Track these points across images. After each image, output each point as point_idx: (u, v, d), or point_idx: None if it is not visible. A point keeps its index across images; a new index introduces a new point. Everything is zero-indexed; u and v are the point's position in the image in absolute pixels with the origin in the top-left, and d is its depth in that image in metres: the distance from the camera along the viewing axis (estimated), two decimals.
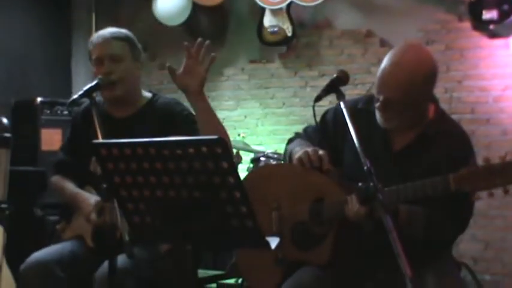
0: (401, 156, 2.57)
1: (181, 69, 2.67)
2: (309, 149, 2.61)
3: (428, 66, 2.51)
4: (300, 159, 2.60)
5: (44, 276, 2.88)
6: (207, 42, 2.66)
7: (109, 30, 3.09)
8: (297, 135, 2.95)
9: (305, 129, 2.93)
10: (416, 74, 2.46)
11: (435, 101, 2.65)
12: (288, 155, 2.84)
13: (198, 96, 2.72)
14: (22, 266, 2.93)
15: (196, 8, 5.94)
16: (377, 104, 2.51)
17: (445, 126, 2.60)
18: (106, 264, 2.70)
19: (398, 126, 2.56)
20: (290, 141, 2.94)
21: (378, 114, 2.55)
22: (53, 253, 2.97)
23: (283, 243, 2.63)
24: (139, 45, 3.14)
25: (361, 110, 2.65)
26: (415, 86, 2.45)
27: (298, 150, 2.66)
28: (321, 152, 2.59)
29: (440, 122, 2.60)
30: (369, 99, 2.69)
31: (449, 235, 2.54)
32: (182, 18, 5.97)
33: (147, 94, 3.18)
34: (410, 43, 2.59)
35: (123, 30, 3.11)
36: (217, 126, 2.78)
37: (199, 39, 2.65)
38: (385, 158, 2.53)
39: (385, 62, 2.50)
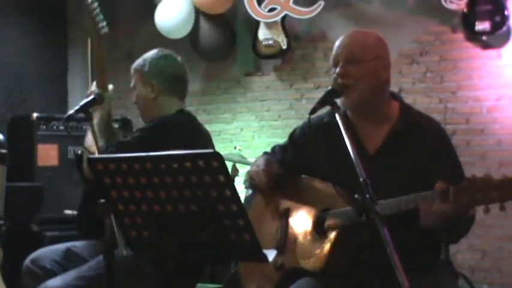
0: (379, 158, 2.57)
1: None
2: (254, 170, 2.81)
3: (376, 33, 2.71)
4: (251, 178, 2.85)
5: None
6: None
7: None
8: (265, 154, 3.00)
9: (273, 148, 2.97)
10: (367, 35, 2.67)
11: (399, 98, 2.69)
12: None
13: None
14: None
15: (199, 19, 5.93)
16: (337, 71, 2.56)
17: (415, 119, 2.62)
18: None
19: (359, 103, 2.57)
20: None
21: (339, 100, 2.56)
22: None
23: (285, 250, 2.69)
24: (151, 69, 3.21)
25: (328, 123, 2.67)
26: (368, 44, 2.61)
27: (252, 170, 2.87)
28: (262, 169, 2.78)
29: (408, 116, 2.62)
30: (333, 113, 2.70)
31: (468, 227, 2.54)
32: (186, 31, 5.93)
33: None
34: None
35: (139, 60, 3.27)
36: None
37: None
38: (363, 164, 2.48)
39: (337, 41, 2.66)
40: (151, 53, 3.26)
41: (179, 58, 3.29)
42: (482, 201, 2.24)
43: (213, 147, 3.23)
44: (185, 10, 5.80)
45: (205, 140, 3.20)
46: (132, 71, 3.27)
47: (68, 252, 3.18)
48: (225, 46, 6.05)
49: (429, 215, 2.31)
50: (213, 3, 5.80)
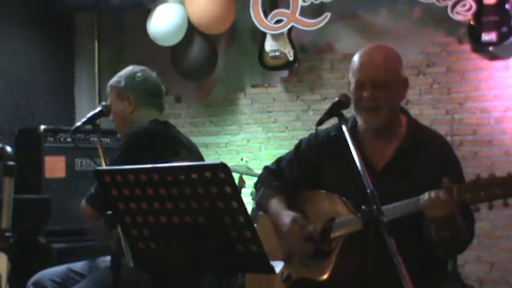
0: (385, 175, 2.59)
1: None
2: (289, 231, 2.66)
3: (394, 49, 2.70)
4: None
5: None
6: None
7: None
8: (267, 171, 2.98)
9: (278, 162, 2.96)
10: (389, 53, 2.66)
11: (406, 112, 2.71)
12: (261, 205, 2.88)
13: None
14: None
15: (192, 30, 5.91)
16: (364, 94, 2.56)
17: (422, 136, 2.65)
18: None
19: (386, 122, 2.59)
20: (260, 181, 2.97)
21: (362, 116, 2.59)
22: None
23: (292, 261, 2.70)
24: (126, 84, 3.27)
25: (335, 137, 2.68)
26: (392, 63, 2.61)
27: (277, 213, 2.74)
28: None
29: (415, 132, 2.65)
30: (340, 127, 2.70)
31: (465, 245, 2.56)
32: (178, 38, 5.89)
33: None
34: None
35: (115, 77, 3.33)
36: None
37: None
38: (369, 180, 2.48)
39: (357, 58, 2.64)
40: (126, 69, 3.33)
41: (154, 73, 3.36)
42: (485, 198, 2.28)
43: (199, 158, 3.24)
44: (177, 18, 5.80)
45: (187, 150, 3.21)
46: (108, 88, 3.34)
47: (68, 271, 3.21)
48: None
49: (431, 208, 2.32)
50: (210, 23, 5.79)
